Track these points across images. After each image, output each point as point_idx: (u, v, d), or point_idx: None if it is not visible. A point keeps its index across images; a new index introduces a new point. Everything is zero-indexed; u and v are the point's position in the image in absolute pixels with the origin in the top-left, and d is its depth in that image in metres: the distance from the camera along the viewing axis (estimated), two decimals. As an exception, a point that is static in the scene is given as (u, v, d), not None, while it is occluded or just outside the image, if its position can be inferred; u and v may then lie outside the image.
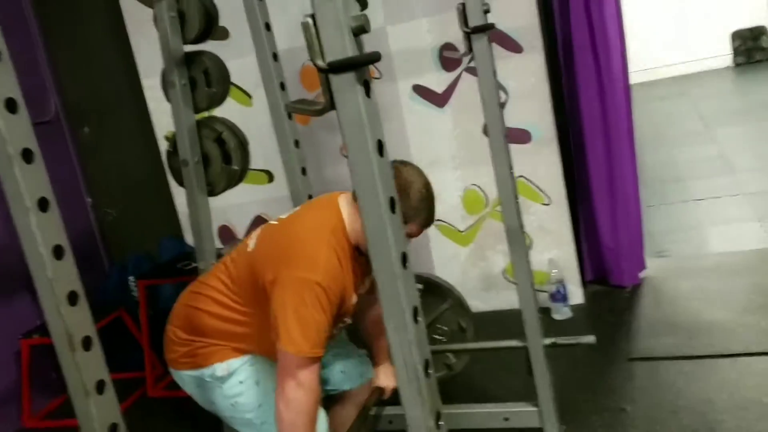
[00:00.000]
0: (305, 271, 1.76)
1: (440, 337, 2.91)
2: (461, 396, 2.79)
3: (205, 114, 2.56)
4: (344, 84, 1.06)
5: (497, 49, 3.19)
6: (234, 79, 2.64)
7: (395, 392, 2.25)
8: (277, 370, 1.80)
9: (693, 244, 4.26)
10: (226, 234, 4.03)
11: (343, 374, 2.28)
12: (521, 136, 3.44)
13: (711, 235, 4.34)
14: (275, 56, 2.57)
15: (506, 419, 2.54)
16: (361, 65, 1.06)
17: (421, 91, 3.58)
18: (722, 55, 9.42)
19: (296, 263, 1.79)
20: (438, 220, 3.71)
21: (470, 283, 3.70)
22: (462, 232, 3.73)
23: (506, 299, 3.62)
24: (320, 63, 1.06)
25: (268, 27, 2.55)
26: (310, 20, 1.04)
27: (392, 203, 1.13)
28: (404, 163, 1.96)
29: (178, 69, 2.42)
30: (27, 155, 1.21)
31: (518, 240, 2.37)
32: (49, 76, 4.15)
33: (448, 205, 3.69)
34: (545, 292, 3.53)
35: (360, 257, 1.94)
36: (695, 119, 7.20)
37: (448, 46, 3.47)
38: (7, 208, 1.21)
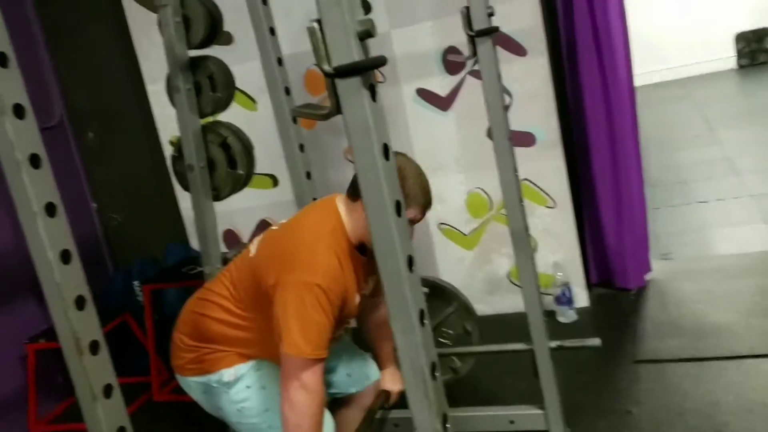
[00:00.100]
0: (305, 274, 1.77)
1: (445, 341, 2.91)
2: (467, 399, 2.79)
3: (210, 119, 2.57)
4: (350, 88, 1.07)
5: (501, 52, 3.20)
6: (239, 83, 2.65)
7: (401, 395, 2.26)
8: (280, 373, 1.81)
9: (698, 246, 4.25)
10: (231, 238, 4.04)
11: (348, 377, 2.28)
12: (526, 139, 3.44)
13: (716, 237, 4.33)
14: (280, 61, 2.58)
15: (512, 422, 2.54)
16: (367, 69, 1.06)
17: (425, 94, 3.59)
18: (726, 57, 9.40)
19: (296, 266, 1.80)
20: (442, 223, 3.74)
21: (475, 287, 3.70)
22: (466, 235, 3.73)
23: (511, 302, 3.62)
24: (326, 67, 1.06)
25: (272, 32, 2.55)
26: (316, 25, 1.04)
27: (398, 206, 1.14)
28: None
29: (183, 74, 2.43)
30: (34, 160, 1.21)
31: (523, 243, 2.37)
32: (54, 81, 4.16)
33: (452, 208, 3.69)
34: (550, 295, 3.53)
35: (362, 257, 1.95)
36: (699, 121, 7.19)
37: (451, 50, 3.47)
38: (11, 214, 1.22)
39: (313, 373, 1.76)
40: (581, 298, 3.64)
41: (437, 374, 1.21)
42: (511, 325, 2.92)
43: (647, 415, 2.64)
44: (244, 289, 1.95)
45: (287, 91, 2.61)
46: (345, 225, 1.91)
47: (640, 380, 2.89)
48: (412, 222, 1.89)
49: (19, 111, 1.19)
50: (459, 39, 2.83)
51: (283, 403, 1.77)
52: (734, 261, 3.84)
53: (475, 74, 3.35)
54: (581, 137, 3.64)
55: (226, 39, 3.63)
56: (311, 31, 1.05)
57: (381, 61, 1.07)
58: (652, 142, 6.09)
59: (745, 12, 9.13)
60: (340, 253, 1.86)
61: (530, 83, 3.39)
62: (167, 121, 3.79)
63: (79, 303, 1.26)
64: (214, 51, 2.55)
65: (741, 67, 9.38)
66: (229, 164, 2.53)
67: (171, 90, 2.49)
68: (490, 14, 2.19)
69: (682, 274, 3.85)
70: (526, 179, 3.44)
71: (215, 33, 2.51)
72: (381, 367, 2.36)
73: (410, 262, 1.16)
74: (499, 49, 2.34)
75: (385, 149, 1.11)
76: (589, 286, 3.74)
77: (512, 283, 3.69)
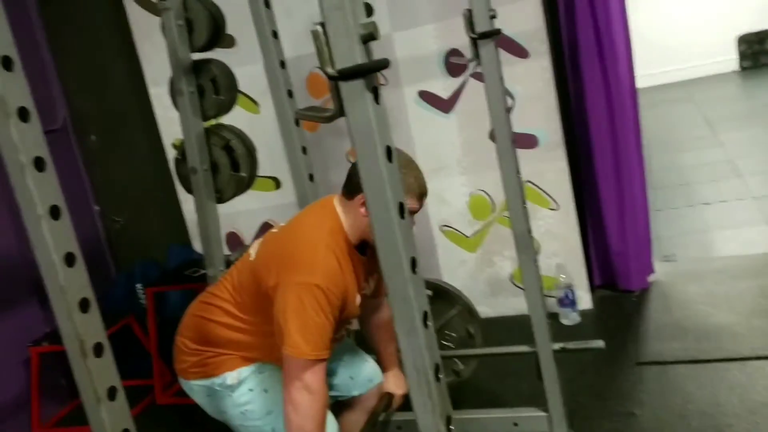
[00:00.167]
0: (304, 275, 1.78)
1: (448, 344, 2.91)
2: (471, 401, 2.79)
3: (213, 122, 2.58)
4: (354, 91, 1.07)
5: (503, 54, 3.19)
6: (241, 86, 2.65)
7: (405, 398, 2.26)
8: (282, 374, 1.81)
9: (701, 247, 4.25)
10: (234, 240, 4.04)
11: (351, 380, 2.28)
12: (528, 141, 3.44)
13: (718, 238, 4.33)
14: (282, 64, 2.58)
15: (516, 424, 2.54)
16: (371, 72, 1.06)
17: (427, 97, 3.59)
18: (728, 59, 9.40)
19: (295, 268, 1.81)
20: (444, 225, 3.73)
21: (477, 289, 3.70)
22: (469, 237, 3.73)
23: (514, 304, 3.63)
24: (330, 70, 1.06)
25: (275, 35, 2.55)
26: (319, 28, 1.05)
27: (401, 208, 1.14)
28: None
29: (186, 77, 2.43)
30: (39, 163, 1.22)
31: (526, 245, 2.37)
32: (57, 84, 4.17)
33: (454, 210, 3.69)
34: (553, 297, 3.52)
35: (361, 257, 1.95)
36: (701, 123, 7.19)
37: (454, 52, 3.47)
38: (13, 217, 1.22)
39: (314, 374, 1.76)
40: (584, 300, 3.64)
41: (441, 376, 1.21)
42: (514, 328, 2.92)
43: (650, 417, 2.64)
44: (246, 292, 1.95)
45: (290, 93, 2.61)
46: (343, 224, 1.92)
47: (643, 382, 2.89)
48: (411, 212, 1.89)
49: (23, 114, 1.19)
50: (461, 41, 2.84)
51: (286, 405, 1.78)
52: (737, 262, 3.84)
53: (477, 76, 3.35)
54: (584, 139, 3.64)
55: (229, 42, 3.63)
56: (315, 35, 1.05)
57: (384, 64, 1.08)
58: (654, 144, 6.09)
59: (747, 14, 9.13)
60: (339, 253, 1.86)
61: (532, 85, 3.40)
62: (170, 124, 3.80)
63: (83, 305, 1.26)
64: (216, 54, 2.56)
65: (743, 69, 9.38)
66: (232, 167, 2.53)
67: (174, 93, 2.49)
68: (492, 16, 2.19)
69: (684, 275, 3.85)
70: (528, 181, 3.43)
71: (218, 36, 2.52)
72: (384, 369, 2.36)
73: (414, 263, 1.16)
74: (501, 51, 2.34)
75: (388, 151, 1.11)
76: (592, 288, 3.73)
77: (515, 285, 3.69)
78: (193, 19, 2.43)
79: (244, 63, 3.08)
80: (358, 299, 1.97)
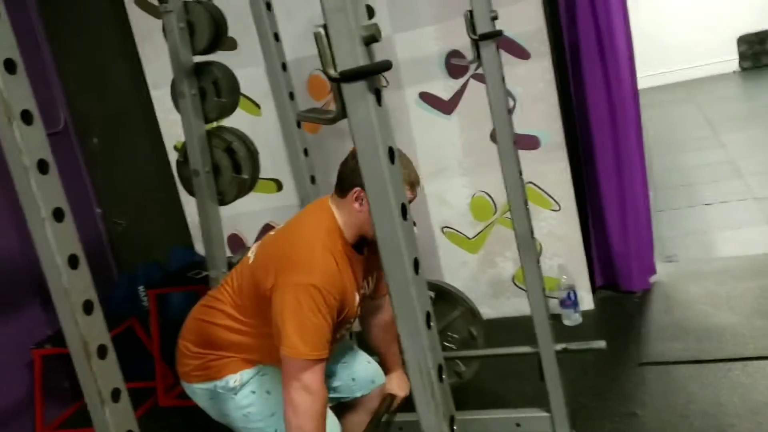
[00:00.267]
0: (301, 275, 1.78)
1: (450, 345, 2.91)
2: (473, 402, 2.79)
3: (215, 124, 2.58)
4: (356, 93, 1.07)
5: (504, 55, 3.19)
6: (243, 89, 2.66)
7: (407, 399, 2.26)
8: (281, 376, 1.81)
9: (702, 248, 4.25)
10: (236, 242, 4.04)
11: (353, 381, 2.28)
12: (530, 142, 3.44)
13: (720, 239, 4.33)
14: (284, 66, 2.58)
15: (518, 425, 2.54)
16: (373, 74, 1.07)
17: (428, 98, 3.59)
18: (728, 59, 9.40)
19: (292, 268, 1.81)
20: (446, 227, 3.74)
21: (479, 290, 3.70)
22: (470, 238, 3.73)
23: (516, 305, 3.63)
24: (332, 72, 1.06)
25: (276, 37, 2.56)
26: (321, 30, 1.05)
27: (404, 209, 1.14)
28: None
29: (187, 79, 2.44)
30: (42, 166, 1.22)
31: (528, 246, 2.38)
32: (58, 86, 4.17)
33: (456, 211, 3.69)
34: (555, 298, 3.52)
35: (359, 256, 1.96)
36: (702, 124, 7.19)
37: (454, 54, 3.48)
38: (16, 220, 1.23)
39: (313, 374, 1.76)
40: (586, 301, 3.63)
41: (444, 377, 1.21)
42: (516, 329, 2.93)
43: (652, 418, 2.64)
44: (246, 294, 1.96)
45: (291, 96, 2.62)
46: (339, 223, 1.93)
47: (646, 382, 2.89)
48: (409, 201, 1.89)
49: (26, 117, 1.20)
50: (462, 42, 2.85)
51: (285, 405, 1.78)
52: (738, 263, 3.84)
53: (479, 78, 3.35)
54: (585, 140, 3.64)
55: (231, 44, 3.63)
56: (317, 37, 1.05)
57: (386, 66, 1.08)
58: (655, 145, 6.09)
59: (747, 15, 9.13)
60: (336, 253, 1.87)
61: (534, 86, 3.40)
62: (171, 127, 3.80)
63: (87, 307, 1.27)
64: (218, 56, 2.56)
65: (743, 69, 9.38)
66: (234, 169, 2.54)
67: (176, 95, 2.50)
68: (494, 18, 2.20)
69: (686, 276, 3.85)
70: (530, 182, 3.43)
71: (220, 38, 2.52)
72: (387, 371, 2.36)
73: (416, 264, 1.16)
74: (502, 52, 2.34)
75: (390, 153, 1.12)
76: (594, 288, 3.74)
77: (517, 286, 3.69)
78: (194, 21, 2.43)
79: (246, 65, 3.08)
80: (357, 299, 1.97)
